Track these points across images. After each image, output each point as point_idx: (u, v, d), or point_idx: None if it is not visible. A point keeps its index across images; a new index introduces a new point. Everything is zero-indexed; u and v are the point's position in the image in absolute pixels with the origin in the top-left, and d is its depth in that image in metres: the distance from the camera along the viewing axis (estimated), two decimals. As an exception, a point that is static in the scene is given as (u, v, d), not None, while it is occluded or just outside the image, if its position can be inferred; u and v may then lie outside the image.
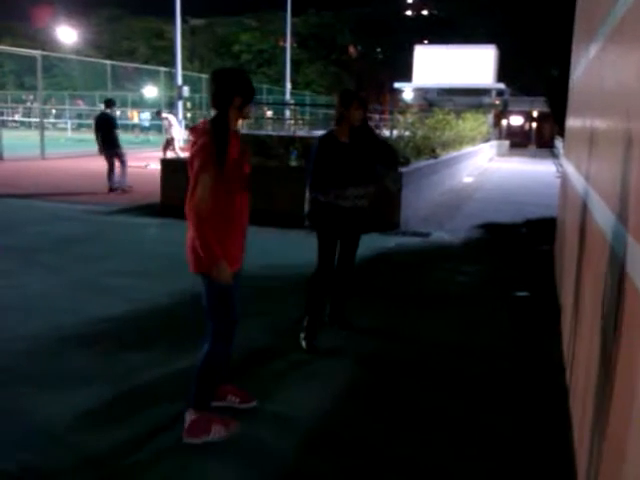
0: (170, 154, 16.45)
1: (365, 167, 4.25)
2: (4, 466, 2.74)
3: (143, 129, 29.08)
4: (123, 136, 13.60)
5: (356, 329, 4.65)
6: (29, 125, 38.54)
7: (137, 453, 2.87)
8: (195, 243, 2.78)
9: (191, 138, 2.88)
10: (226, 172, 2.78)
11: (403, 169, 9.36)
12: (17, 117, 43.45)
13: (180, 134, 17.25)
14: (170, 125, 17.03)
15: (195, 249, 2.82)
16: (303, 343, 4.22)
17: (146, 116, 30.12)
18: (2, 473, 2.69)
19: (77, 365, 3.86)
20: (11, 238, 7.55)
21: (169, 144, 16.95)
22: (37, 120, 25.51)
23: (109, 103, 12.46)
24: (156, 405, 3.35)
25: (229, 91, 2.82)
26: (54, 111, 43.13)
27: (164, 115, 17.72)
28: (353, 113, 4.15)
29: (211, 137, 2.77)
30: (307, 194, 4.21)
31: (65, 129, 37.50)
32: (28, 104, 45.64)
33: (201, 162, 2.74)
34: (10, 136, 24.57)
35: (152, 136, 26.79)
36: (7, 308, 4.91)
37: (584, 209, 3.48)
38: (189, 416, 2.96)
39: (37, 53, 20.43)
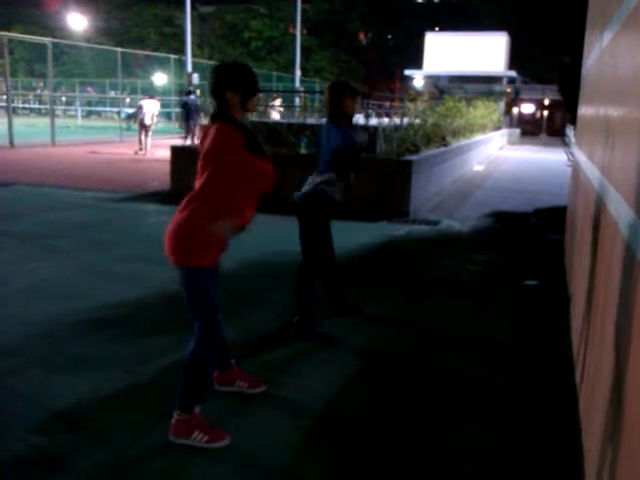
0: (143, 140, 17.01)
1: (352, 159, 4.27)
2: (15, 448, 2.78)
3: (127, 116, 28.92)
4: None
5: (364, 316, 4.67)
6: (39, 112, 38.65)
7: (146, 439, 2.91)
8: (175, 230, 2.71)
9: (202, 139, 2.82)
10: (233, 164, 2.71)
11: (413, 157, 9.33)
12: (27, 104, 43.60)
13: (153, 119, 17.52)
14: (143, 112, 17.22)
15: (175, 239, 2.72)
16: (308, 334, 4.22)
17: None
18: (13, 455, 2.73)
19: (89, 349, 3.90)
20: (25, 224, 7.62)
21: (142, 130, 17.23)
22: (47, 107, 25.58)
23: (187, 92, 18.72)
24: (167, 390, 3.38)
25: (219, 87, 2.73)
26: (64, 98, 43.19)
27: (140, 102, 17.93)
28: (347, 103, 4.10)
29: (221, 133, 2.68)
30: (334, 178, 4.15)
31: (75, 116, 37.60)
32: (38, 91, 45.73)
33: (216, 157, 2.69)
34: (20, 123, 24.68)
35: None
36: (22, 293, 4.97)
37: (596, 198, 3.46)
38: (175, 415, 2.84)
39: (47, 40, 20.44)
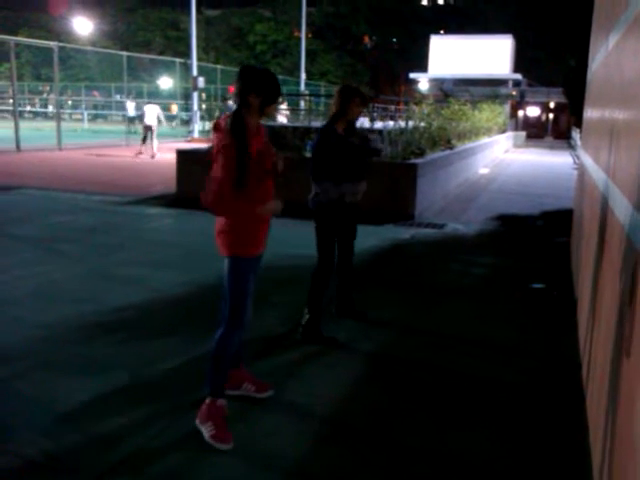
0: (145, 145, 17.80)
1: (361, 161, 4.27)
2: (24, 450, 2.80)
3: (130, 119, 29.10)
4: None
5: (370, 320, 4.67)
6: (45, 116, 38.85)
7: (153, 441, 2.92)
8: (222, 225, 2.91)
9: (214, 134, 2.90)
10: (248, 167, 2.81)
11: (419, 160, 9.33)
12: (33, 108, 43.80)
13: (154, 121, 18.09)
14: (144, 115, 17.99)
15: (221, 233, 2.92)
16: (314, 338, 4.21)
17: (132, 105, 29.93)
18: (22, 457, 2.74)
19: (96, 353, 3.91)
20: (32, 228, 7.65)
21: (146, 132, 17.95)
22: (54, 111, 25.68)
23: (224, 99, 21.40)
24: (173, 394, 3.39)
25: (245, 89, 2.84)
26: (70, 102, 43.40)
27: (143, 108, 18.60)
28: (353, 110, 4.12)
29: (231, 137, 2.79)
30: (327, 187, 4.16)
31: (81, 120, 37.77)
32: (45, 95, 45.96)
33: (223, 162, 2.78)
34: (27, 127, 24.79)
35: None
36: (29, 296, 4.98)
37: (602, 201, 3.46)
38: (207, 398, 2.99)
39: (54, 44, 20.54)
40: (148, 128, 17.90)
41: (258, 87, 2.84)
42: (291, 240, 6.85)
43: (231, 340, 3.01)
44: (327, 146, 4.12)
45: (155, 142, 17.97)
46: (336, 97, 4.15)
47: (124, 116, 28.66)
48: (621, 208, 2.49)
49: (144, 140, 18.00)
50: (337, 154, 4.12)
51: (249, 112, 2.86)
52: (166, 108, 34.57)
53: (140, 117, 18.80)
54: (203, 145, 11.78)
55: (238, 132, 2.81)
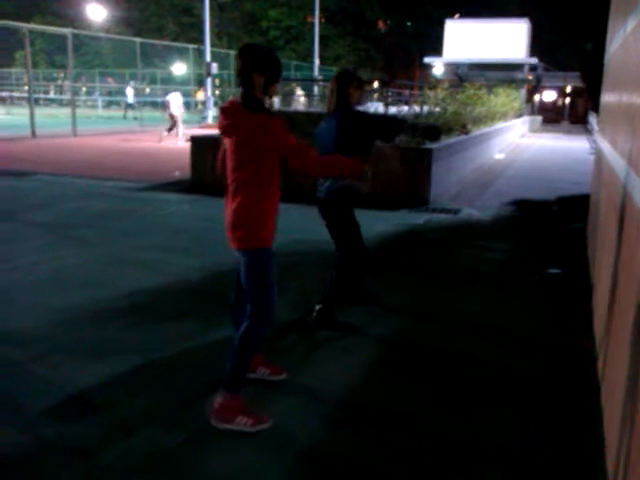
0: (166, 133, 18.01)
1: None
2: (41, 432, 2.84)
3: (128, 106, 28.73)
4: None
5: (383, 305, 4.67)
6: (60, 102, 39.03)
7: (165, 424, 2.94)
8: (238, 219, 2.81)
9: (222, 118, 2.82)
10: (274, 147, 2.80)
11: (433, 145, 9.26)
12: (48, 95, 43.99)
13: (179, 111, 18.28)
14: (168, 106, 18.11)
15: (238, 226, 2.82)
16: (328, 323, 4.22)
17: (130, 91, 29.47)
18: (39, 439, 2.79)
19: (111, 336, 3.95)
20: (47, 214, 7.71)
21: (172, 120, 18.08)
22: (68, 98, 25.78)
23: None
24: (187, 377, 3.42)
25: (248, 68, 2.76)
26: (84, 89, 43.54)
27: (166, 97, 18.73)
28: (352, 93, 4.06)
29: (264, 116, 2.75)
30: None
31: (95, 106, 37.91)
32: (59, 82, 46.12)
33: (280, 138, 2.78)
34: (42, 114, 24.92)
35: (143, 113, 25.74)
36: (44, 281, 5.04)
37: (620, 187, 3.41)
38: (220, 397, 2.91)
39: (67, 31, 20.58)
40: (173, 117, 18.06)
41: (261, 65, 2.76)
42: (299, 226, 6.85)
43: (258, 334, 2.93)
44: (358, 126, 4.02)
45: (181, 128, 18.17)
46: (334, 85, 4.06)
47: (125, 102, 28.51)
48: (639, 193, 2.46)
49: (171, 129, 18.06)
50: (367, 132, 4.09)
51: (254, 92, 2.78)
52: (191, 94, 34.62)
53: (163, 105, 18.84)
54: (217, 131, 11.79)
55: (261, 108, 2.77)
